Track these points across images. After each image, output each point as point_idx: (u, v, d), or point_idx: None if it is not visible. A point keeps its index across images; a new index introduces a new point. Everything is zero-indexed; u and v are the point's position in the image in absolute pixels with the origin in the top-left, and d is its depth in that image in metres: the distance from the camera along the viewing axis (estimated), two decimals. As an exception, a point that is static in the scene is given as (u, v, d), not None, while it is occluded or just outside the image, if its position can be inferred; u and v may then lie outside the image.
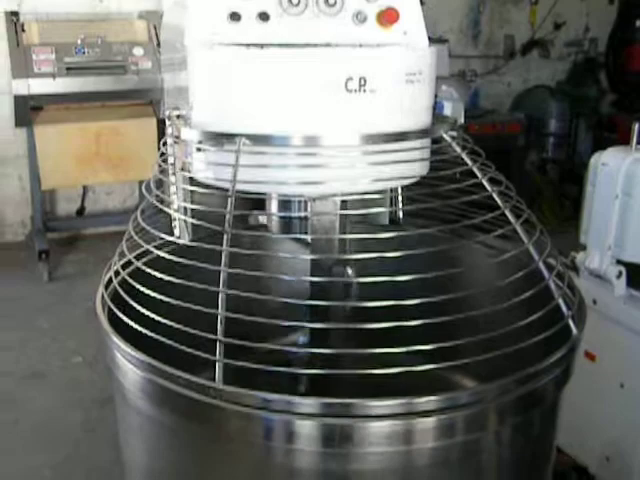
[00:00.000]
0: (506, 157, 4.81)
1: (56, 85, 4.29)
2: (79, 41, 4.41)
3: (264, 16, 1.41)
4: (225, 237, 1.21)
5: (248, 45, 1.39)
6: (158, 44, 4.52)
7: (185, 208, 1.48)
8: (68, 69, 4.32)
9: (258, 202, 1.54)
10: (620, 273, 2.24)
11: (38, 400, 3.08)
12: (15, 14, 4.47)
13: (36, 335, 3.67)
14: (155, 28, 4.66)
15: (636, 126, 2.22)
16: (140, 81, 4.48)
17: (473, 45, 6.22)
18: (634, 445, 2.24)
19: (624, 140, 2.31)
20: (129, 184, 5.22)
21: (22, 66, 4.25)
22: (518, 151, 5.25)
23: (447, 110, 3.86)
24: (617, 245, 2.24)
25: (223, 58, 1.35)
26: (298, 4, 1.43)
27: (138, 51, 4.53)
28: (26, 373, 3.30)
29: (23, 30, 4.41)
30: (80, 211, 5.20)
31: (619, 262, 2.25)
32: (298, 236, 1.51)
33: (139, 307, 1.28)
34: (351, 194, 1.38)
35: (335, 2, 1.44)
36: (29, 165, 4.56)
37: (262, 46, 1.37)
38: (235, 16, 1.41)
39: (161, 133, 4.47)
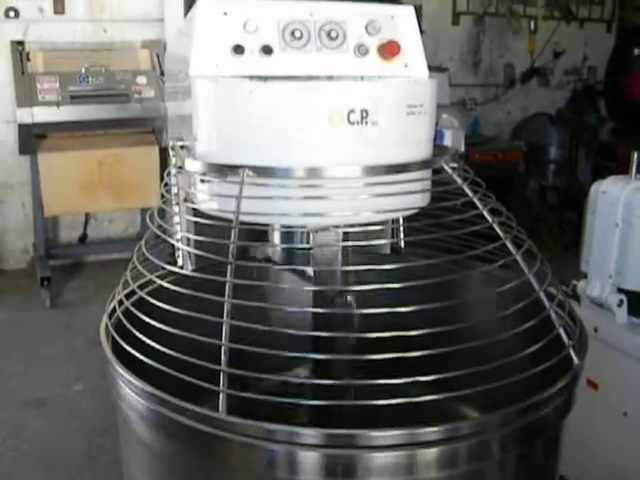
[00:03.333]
0: (507, 184, 4.84)
1: (60, 113, 4.33)
2: (83, 70, 4.46)
3: (267, 49, 1.44)
4: (229, 268, 1.22)
5: (252, 77, 1.41)
6: (161, 73, 4.57)
7: (188, 238, 1.50)
8: (72, 97, 4.36)
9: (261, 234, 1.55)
10: (621, 301, 2.25)
11: (40, 428, 3.07)
12: (20, 43, 4.52)
13: (38, 362, 3.67)
14: (158, 57, 4.71)
15: (635, 155, 2.24)
16: (143, 109, 4.52)
17: (473, 74, 6.28)
18: (638, 473, 2.23)
19: (623, 167, 2.33)
20: (131, 212, 5.24)
21: (27, 95, 4.29)
22: (519, 178, 5.27)
23: (448, 138, 3.89)
24: (618, 273, 2.25)
25: (227, 91, 1.37)
26: (301, 37, 1.45)
27: (141, 80, 4.58)
28: (28, 400, 3.29)
29: (28, 59, 4.46)
30: (82, 238, 5.22)
31: (620, 290, 2.26)
32: (301, 268, 1.52)
33: (143, 337, 1.29)
34: (353, 225, 1.40)
35: (337, 35, 1.47)
36: (32, 192, 4.59)
37: (266, 79, 1.39)
38: (239, 49, 1.43)
39: (163, 161, 4.53)
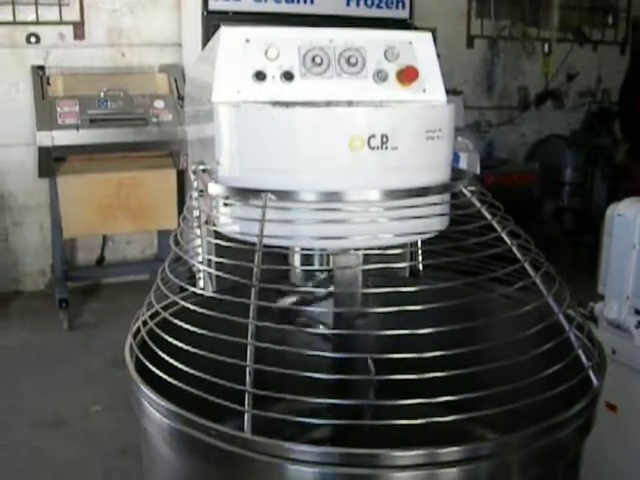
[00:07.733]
0: (522, 207, 4.84)
1: (79, 136, 4.39)
2: (102, 94, 4.52)
3: (288, 75, 1.47)
4: (253, 290, 1.24)
5: (273, 103, 1.44)
6: (178, 97, 4.62)
7: (209, 260, 1.52)
8: (91, 121, 4.42)
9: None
10: (639, 323, 2.24)
11: (58, 449, 3.09)
12: (41, 68, 4.61)
13: (55, 384, 3.69)
14: (175, 81, 4.77)
15: (650, 178, 2.25)
16: (160, 133, 4.57)
17: (487, 96, 6.30)
18: (657, 497, 2.22)
19: (639, 189, 2.34)
20: (148, 234, 5.28)
21: (47, 118, 4.35)
22: (534, 200, 5.27)
23: (463, 161, 3.92)
24: (635, 295, 2.25)
25: (249, 117, 1.40)
26: (321, 64, 1.48)
27: (159, 103, 4.63)
28: (46, 422, 3.31)
29: (49, 83, 4.53)
30: (100, 260, 5.26)
31: (638, 312, 2.26)
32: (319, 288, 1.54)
33: (168, 358, 1.31)
34: (373, 248, 1.42)
35: (357, 61, 1.50)
36: (51, 214, 4.63)
37: (287, 105, 1.41)
38: (260, 75, 1.46)
39: (180, 184, 4.57)
